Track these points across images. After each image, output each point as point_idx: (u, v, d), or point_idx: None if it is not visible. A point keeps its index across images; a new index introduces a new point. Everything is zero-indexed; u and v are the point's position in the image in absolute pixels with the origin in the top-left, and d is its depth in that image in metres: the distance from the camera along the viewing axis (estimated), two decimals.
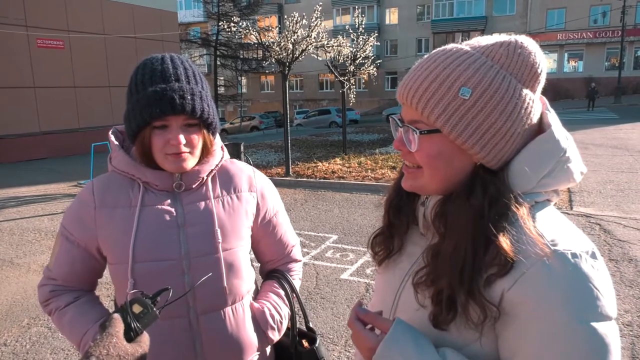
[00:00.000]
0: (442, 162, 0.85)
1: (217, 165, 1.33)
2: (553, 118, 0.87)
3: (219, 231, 1.27)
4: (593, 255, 0.78)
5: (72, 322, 1.28)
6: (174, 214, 1.27)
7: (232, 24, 9.98)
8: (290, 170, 10.55)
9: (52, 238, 6.44)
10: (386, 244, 1.01)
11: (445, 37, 38.14)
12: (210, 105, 1.25)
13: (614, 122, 19.13)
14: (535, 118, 0.85)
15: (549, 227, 0.81)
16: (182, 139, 1.20)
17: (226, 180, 1.36)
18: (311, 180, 9.92)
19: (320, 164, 11.41)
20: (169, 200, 1.28)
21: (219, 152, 1.35)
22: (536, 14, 35.46)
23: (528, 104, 0.83)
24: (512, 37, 0.85)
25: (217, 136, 1.35)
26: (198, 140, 1.25)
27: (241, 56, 36.70)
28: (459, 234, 0.82)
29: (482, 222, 0.80)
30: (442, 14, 38.48)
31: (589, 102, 26.49)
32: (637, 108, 23.83)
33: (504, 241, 0.77)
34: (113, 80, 18.45)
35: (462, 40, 0.98)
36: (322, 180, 9.84)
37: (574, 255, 0.76)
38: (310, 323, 1.53)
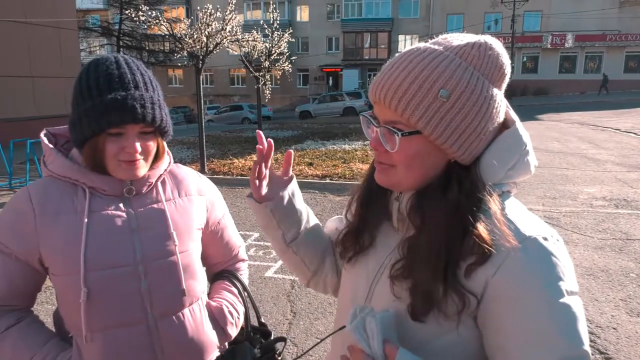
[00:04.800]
0: (419, 161, 0.88)
1: (165, 170, 1.33)
2: (514, 115, 0.93)
3: (174, 233, 1.25)
4: (557, 238, 0.86)
5: (15, 347, 1.18)
6: (126, 218, 1.23)
7: (140, 13, 9.43)
8: (206, 167, 10.23)
9: None
10: (357, 240, 1.02)
11: (354, 37, 39.24)
12: (166, 112, 1.26)
13: None
14: (502, 115, 0.91)
15: (518, 215, 0.87)
16: (138, 147, 1.18)
17: (175, 183, 1.36)
18: (228, 177, 9.70)
19: (236, 160, 11.19)
20: (119, 205, 1.24)
21: (167, 157, 1.35)
22: (437, 18, 37.67)
23: (498, 103, 0.88)
24: (482, 38, 0.89)
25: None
26: (153, 147, 1.24)
27: (147, 48, 34.91)
28: (436, 227, 0.85)
29: (458, 214, 0.83)
30: (351, 13, 39.47)
31: None
32: (523, 108, 26.15)
33: (483, 231, 0.81)
34: (1, 69, 16.57)
35: (370, 40, 1.00)
36: (239, 177, 9.66)
37: (545, 238, 0.83)
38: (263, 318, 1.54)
